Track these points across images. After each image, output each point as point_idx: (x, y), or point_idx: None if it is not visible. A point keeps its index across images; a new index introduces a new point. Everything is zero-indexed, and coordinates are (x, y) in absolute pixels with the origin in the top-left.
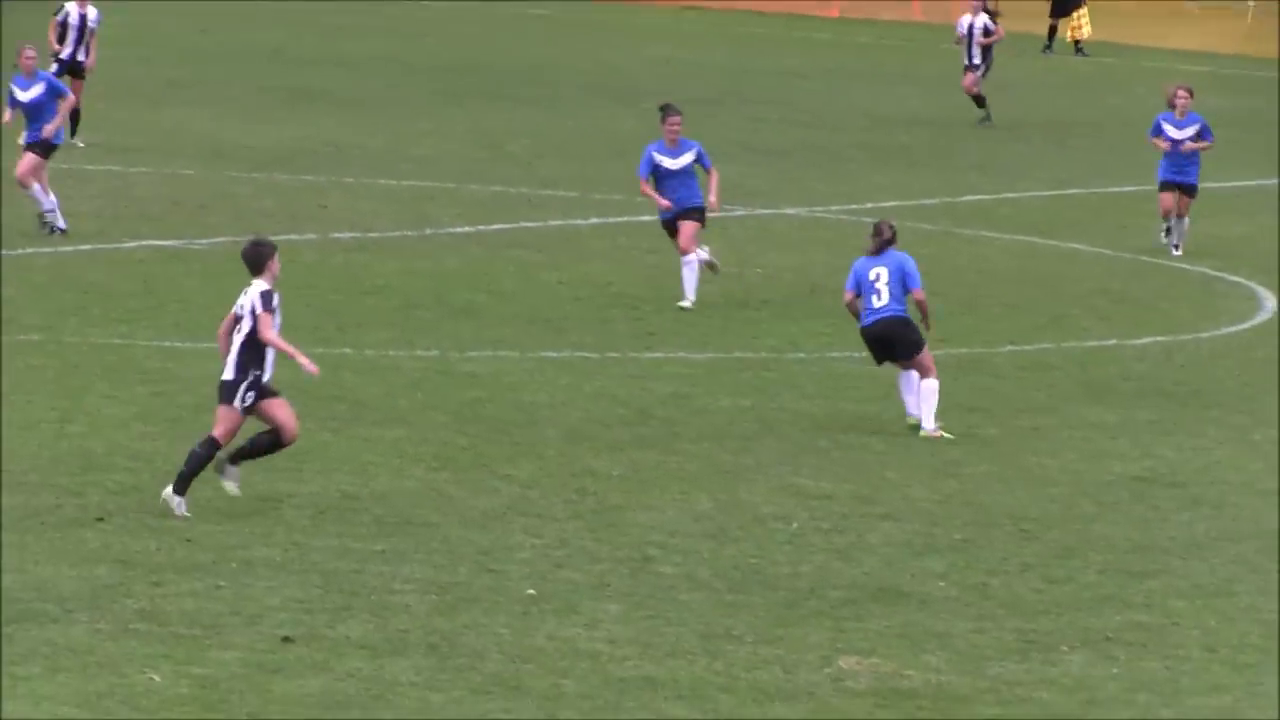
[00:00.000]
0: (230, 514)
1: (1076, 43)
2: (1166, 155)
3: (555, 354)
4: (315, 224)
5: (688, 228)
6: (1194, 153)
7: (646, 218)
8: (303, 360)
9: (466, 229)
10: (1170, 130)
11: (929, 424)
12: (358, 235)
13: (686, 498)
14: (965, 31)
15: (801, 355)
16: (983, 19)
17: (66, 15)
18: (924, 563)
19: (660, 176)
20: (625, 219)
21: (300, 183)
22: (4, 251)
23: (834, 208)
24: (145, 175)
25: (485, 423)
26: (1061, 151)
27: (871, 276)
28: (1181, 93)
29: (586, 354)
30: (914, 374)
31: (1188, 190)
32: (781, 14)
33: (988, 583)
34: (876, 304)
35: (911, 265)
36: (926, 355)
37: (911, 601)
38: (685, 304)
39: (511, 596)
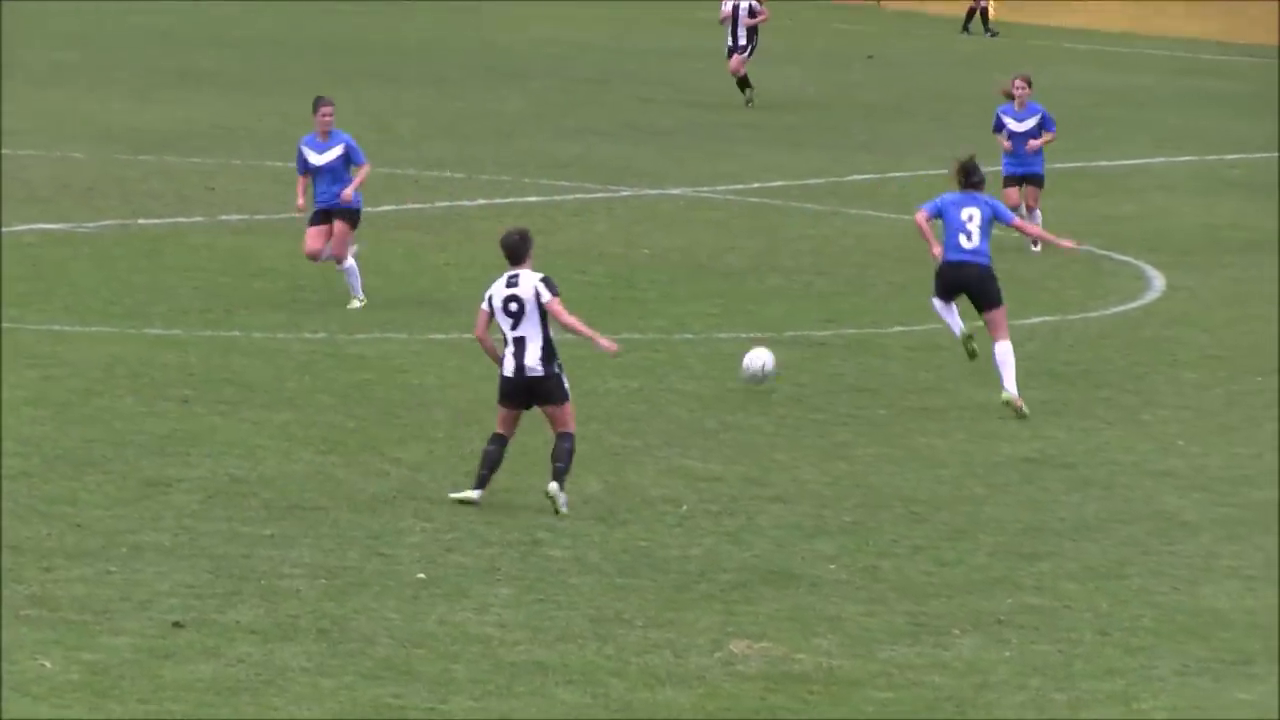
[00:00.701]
0: (119, 499)
1: (986, 20)
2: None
3: (443, 336)
4: (203, 206)
5: (340, 232)
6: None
7: (534, 199)
8: (602, 342)
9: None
10: (1010, 124)
11: (1013, 388)
12: (245, 218)
13: (575, 480)
14: (730, 12)
15: (689, 336)
16: (748, 1)
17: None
18: (814, 545)
19: (311, 171)
20: (512, 200)
21: (188, 165)
22: None
23: (720, 188)
24: (33, 158)
25: (374, 405)
26: (947, 129)
27: (964, 216)
28: (1019, 83)
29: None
30: (955, 306)
31: (1034, 180)
32: None
33: (878, 565)
34: (966, 245)
35: (1001, 205)
36: (1004, 312)
37: (802, 584)
38: (355, 305)
39: (402, 581)
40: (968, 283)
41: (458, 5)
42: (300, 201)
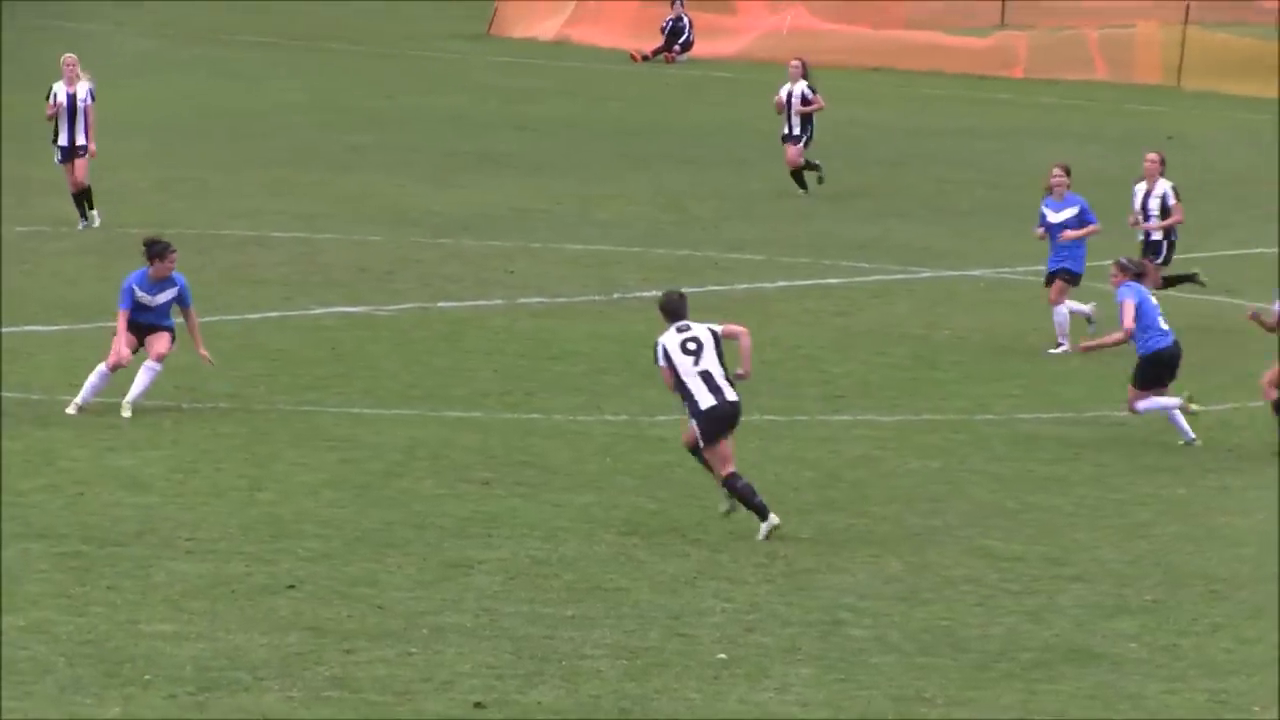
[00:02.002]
0: (420, 581)
1: None
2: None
3: (744, 417)
4: (502, 289)
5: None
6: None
7: (833, 280)
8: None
9: (653, 292)
10: (1049, 215)
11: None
12: (545, 300)
13: (876, 560)
14: (784, 99)
15: (990, 417)
16: (801, 86)
17: (55, 95)
18: (1115, 624)
19: (139, 309)
20: (812, 282)
21: (487, 248)
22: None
23: (1020, 268)
24: (331, 241)
25: (674, 487)
26: (1247, 210)
27: (1154, 302)
28: (1056, 172)
29: (775, 417)
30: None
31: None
32: (965, 75)
33: (1179, 644)
34: (1166, 326)
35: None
36: None
37: (1103, 663)
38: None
39: (702, 661)
40: (1176, 361)
41: (752, 82)
42: (123, 345)
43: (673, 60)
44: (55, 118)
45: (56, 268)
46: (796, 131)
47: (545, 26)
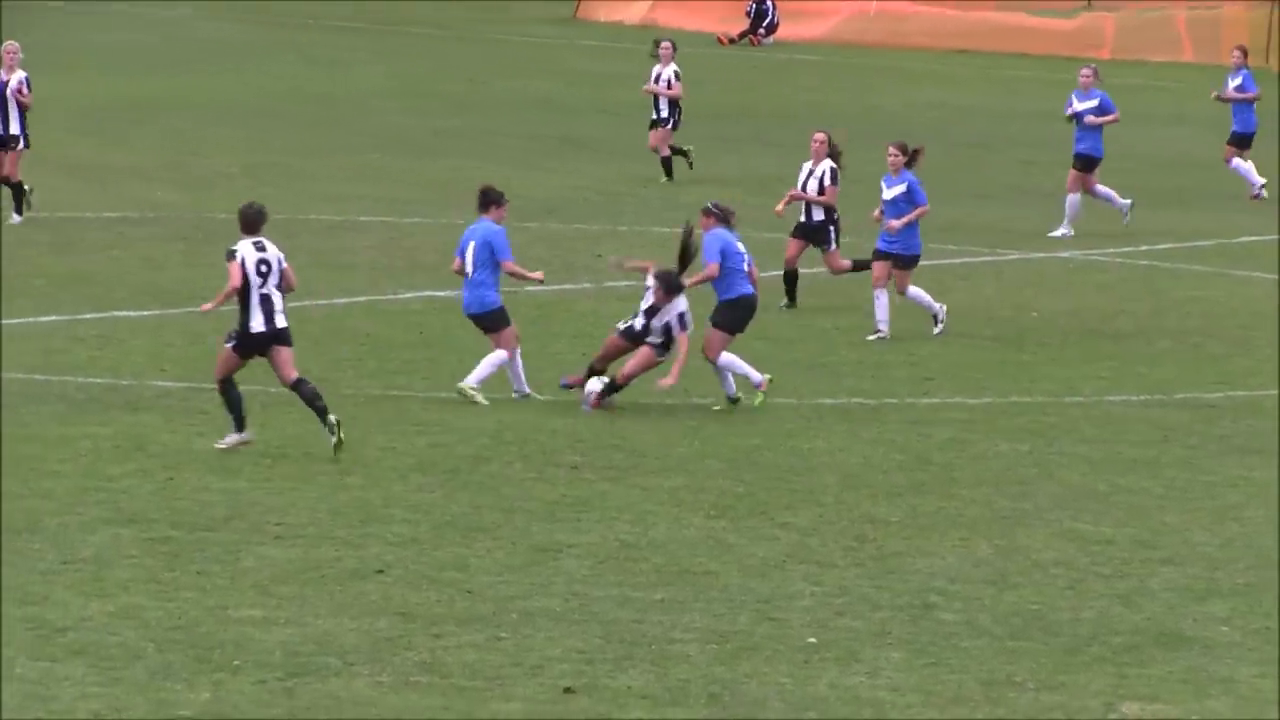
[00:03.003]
0: (509, 565)
1: None
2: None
3: (832, 400)
4: (589, 273)
5: None
6: None
7: (922, 263)
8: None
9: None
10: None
11: None
12: (632, 284)
13: (966, 544)
14: (653, 82)
15: (1079, 399)
16: (671, 69)
17: None
18: (1206, 607)
19: None
20: None
21: (573, 231)
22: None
23: (1107, 250)
24: (418, 226)
25: (763, 470)
26: None
27: (740, 249)
28: (892, 149)
29: (864, 400)
30: None
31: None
32: (1050, 56)
33: (1271, 627)
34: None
35: None
36: None
37: (1195, 646)
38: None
39: (792, 645)
40: (753, 311)
41: (839, 65)
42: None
43: (758, 43)
44: None
45: (145, 253)
46: (664, 114)
47: (631, 10)
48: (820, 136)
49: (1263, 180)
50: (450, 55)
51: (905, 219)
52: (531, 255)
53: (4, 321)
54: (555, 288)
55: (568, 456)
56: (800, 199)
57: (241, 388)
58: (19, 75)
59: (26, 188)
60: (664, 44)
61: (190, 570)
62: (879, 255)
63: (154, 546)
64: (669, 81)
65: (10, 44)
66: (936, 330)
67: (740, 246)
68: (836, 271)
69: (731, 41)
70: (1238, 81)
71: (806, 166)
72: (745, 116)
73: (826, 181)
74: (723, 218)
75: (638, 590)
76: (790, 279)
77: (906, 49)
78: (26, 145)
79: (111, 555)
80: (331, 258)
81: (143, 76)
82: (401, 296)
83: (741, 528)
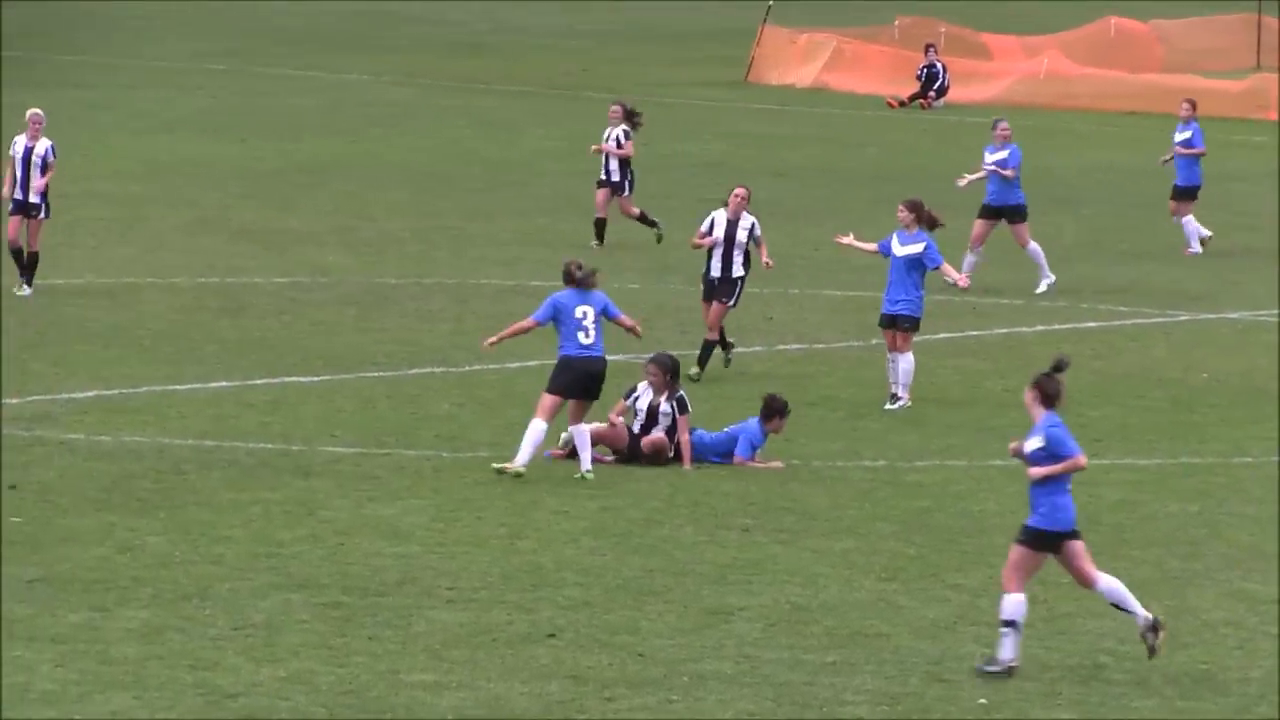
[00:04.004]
0: (680, 628)
1: None
2: None
3: (1002, 462)
4: (761, 335)
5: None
6: None
7: (1091, 324)
8: None
9: (912, 337)
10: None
11: None
12: (803, 346)
13: None
14: (605, 141)
15: (1248, 459)
16: (620, 129)
17: (14, 146)
18: None
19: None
20: (1070, 326)
21: (745, 295)
22: (452, 369)
23: (1276, 311)
24: None
25: (934, 532)
26: None
27: (578, 316)
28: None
29: None
30: None
31: None
32: (1219, 118)
33: None
34: (586, 341)
35: None
36: None
37: None
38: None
39: (963, 707)
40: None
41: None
42: None
43: (929, 106)
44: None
45: (316, 317)
46: (616, 178)
47: (802, 73)
48: (740, 192)
49: (1208, 233)
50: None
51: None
52: (704, 320)
53: (176, 388)
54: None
55: (739, 519)
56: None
57: (410, 453)
58: (45, 143)
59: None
60: (614, 107)
61: (361, 635)
62: (885, 322)
63: (325, 611)
64: (618, 140)
65: (35, 112)
66: (893, 406)
67: (579, 311)
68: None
69: (901, 104)
70: (1186, 135)
71: (720, 216)
72: (914, 178)
73: (754, 232)
74: (569, 277)
75: (809, 653)
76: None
77: (1076, 110)
78: (47, 214)
79: (282, 620)
80: (502, 321)
81: (313, 140)
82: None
83: (912, 590)
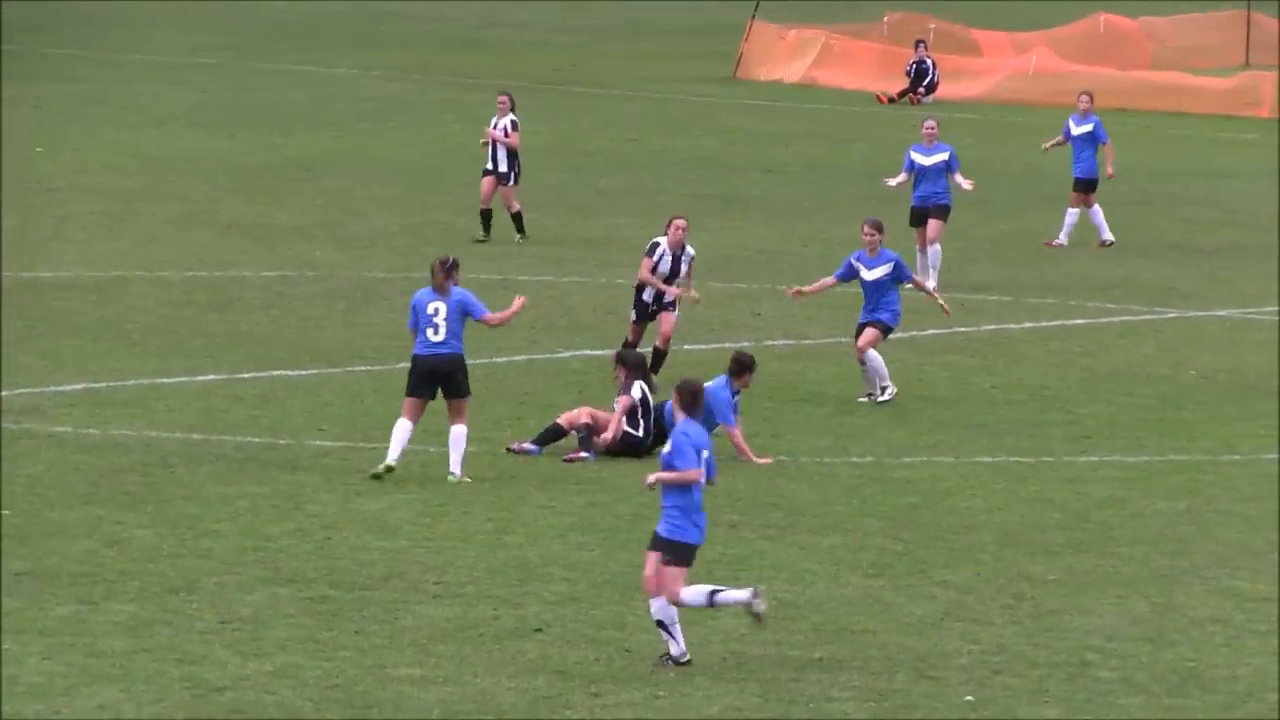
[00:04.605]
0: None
1: None
2: None
3: (990, 459)
4: (748, 331)
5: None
6: None
7: (1079, 321)
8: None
9: (899, 335)
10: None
11: None
12: (791, 342)
13: (1123, 601)
14: (492, 129)
15: (1236, 457)
16: (508, 119)
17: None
18: None
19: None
20: (1058, 323)
21: (733, 290)
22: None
23: (1267, 309)
24: (578, 284)
25: (921, 528)
26: None
27: (430, 311)
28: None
29: (1021, 458)
30: None
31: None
32: (1209, 115)
33: None
34: (435, 339)
35: None
36: None
37: None
38: None
39: (950, 703)
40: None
41: (997, 124)
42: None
43: (918, 102)
44: None
45: (304, 312)
46: (503, 168)
47: (791, 69)
48: (680, 223)
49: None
50: (611, 113)
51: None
52: (691, 314)
53: (164, 381)
54: (714, 346)
55: (726, 515)
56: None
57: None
58: None
59: None
60: (501, 97)
61: (348, 629)
62: (861, 327)
63: (312, 606)
64: (505, 130)
65: None
66: (882, 398)
67: (433, 307)
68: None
69: (891, 100)
70: (1088, 128)
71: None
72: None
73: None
74: (432, 274)
75: (795, 649)
76: None
77: (1066, 108)
78: None
79: (269, 615)
80: None
81: (304, 135)
82: (560, 355)
83: (899, 586)
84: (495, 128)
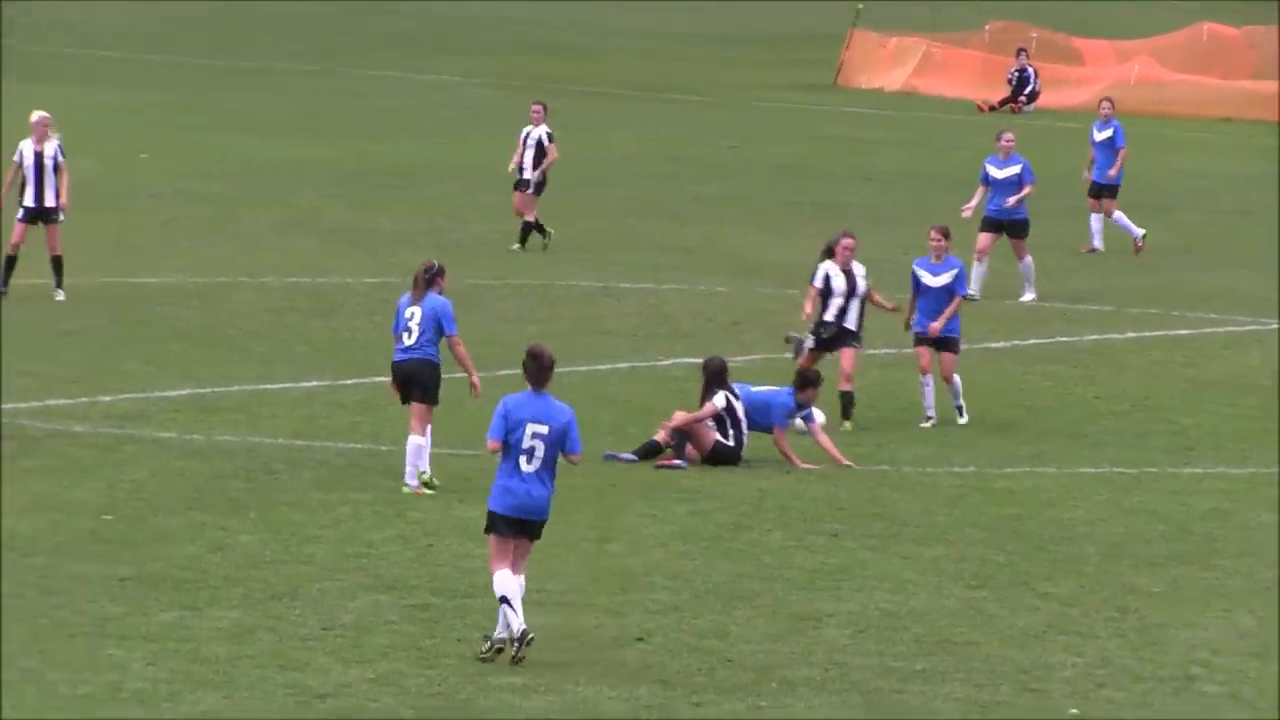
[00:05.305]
0: (769, 633)
1: None
2: None
3: (1093, 469)
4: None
5: None
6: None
7: (1182, 331)
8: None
9: (1001, 344)
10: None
11: None
12: (892, 351)
13: (1229, 615)
14: (522, 141)
15: None
16: (542, 130)
17: (20, 155)
18: None
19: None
20: (1161, 333)
21: None
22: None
23: None
24: (677, 292)
25: (1024, 539)
26: None
27: (405, 316)
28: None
29: (1124, 469)
30: None
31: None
32: None
33: None
34: (408, 342)
35: None
36: None
37: None
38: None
39: (1053, 716)
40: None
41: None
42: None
43: (1019, 110)
44: (21, 178)
45: None
46: (529, 177)
47: (891, 77)
48: (848, 243)
49: (1140, 232)
50: (708, 120)
51: (947, 313)
52: (791, 321)
53: (267, 387)
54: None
55: (828, 524)
56: None
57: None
58: (54, 144)
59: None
60: (535, 107)
61: (450, 637)
62: (920, 340)
63: (414, 613)
64: (541, 143)
65: (40, 115)
66: (962, 419)
67: (409, 312)
68: None
69: (991, 109)
70: (1108, 133)
71: None
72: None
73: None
74: (414, 280)
75: (898, 660)
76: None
77: (1168, 117)
78: (64, 217)
79: (371, 621)
80: (591, 324)
81: (405, 142)
82: (661, 363)
83: (1002, 597)
84: (526, 138)
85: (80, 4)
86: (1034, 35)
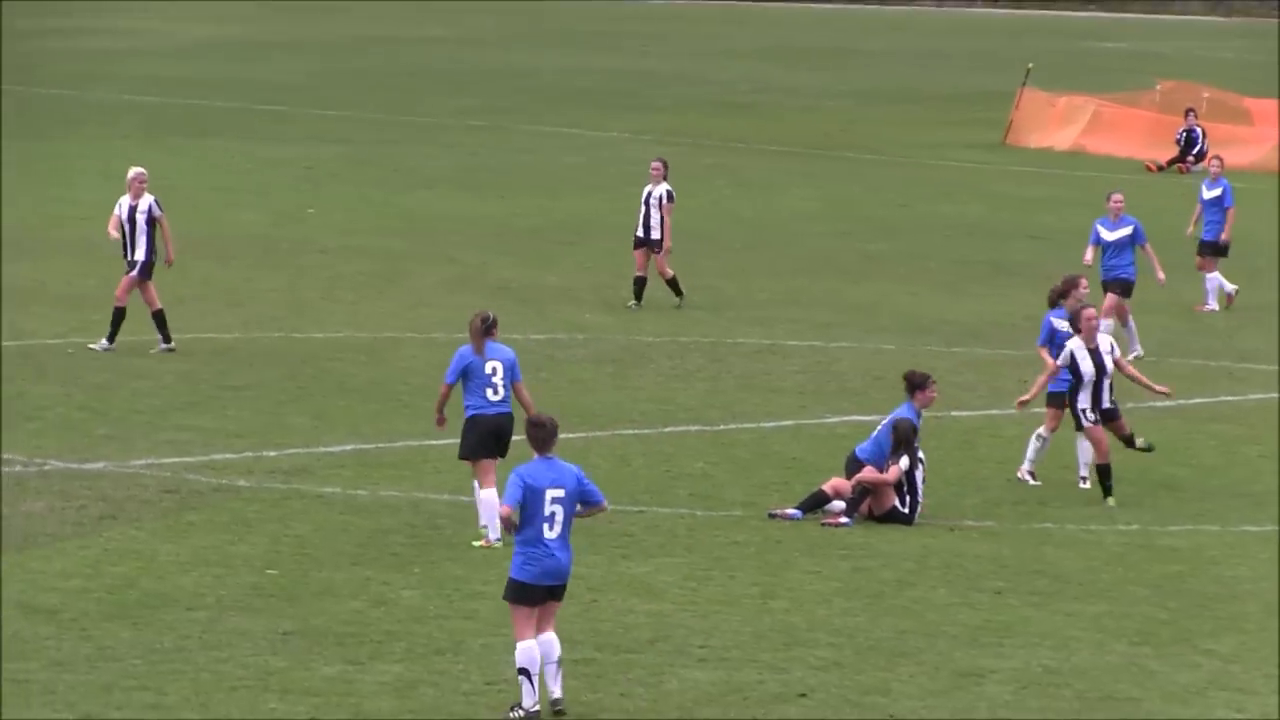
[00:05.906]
0: (932, 690)
1: None
2: None
3: (1257, 528)
4: (1014, 399)
5: None
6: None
7: None
8: None
9: (1167, 403)
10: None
11: None
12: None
13: None
14: (644, 201)
15: None
16: (663, 188)
17: (118, 208)
18: None
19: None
20: None
21: (1000, 356)
22: (706, 427)
23: None
24: (845, 350)
25: (1186, 596)
26: None
27: (487, 372)
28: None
29: None
30: None
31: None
32: None
33: None
34: (494, 398)
35: None
36: None
37: None
38: None
39: None
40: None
41: (1268, 192)
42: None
43: (1187, 170)
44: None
45: (573, 375)
46: (656, 235)
47: (1060, 136)
48: (1090, 313)
49: (1233, 288)
50: (880, 179)
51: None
52: (958, 381)
53: (433, 443)
54: (981, 412)
55: (991, 582)
56: None
57: (664, 510)
58: (148, 200)
59: None
60: (655, 164)
61: (613, 692)
62: (1053, 398)
63: (578, 668)
64: (661, 201)
65: (137, 171)
66: (1084, 485)
67: (490, 367)
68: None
69: (1160, 169)
70: (1217, 192)
71: None
72: (1170, 243)
73: None
74: (472, 332)
75: (1060, 716)
76: None
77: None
78: (150, 273)
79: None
80: (758, 381)
81: (572, 198)
82: (828, 421)
83: (1164, 654)
84: (649, 197)
85: (258, 63)
86: (1205, 95)
